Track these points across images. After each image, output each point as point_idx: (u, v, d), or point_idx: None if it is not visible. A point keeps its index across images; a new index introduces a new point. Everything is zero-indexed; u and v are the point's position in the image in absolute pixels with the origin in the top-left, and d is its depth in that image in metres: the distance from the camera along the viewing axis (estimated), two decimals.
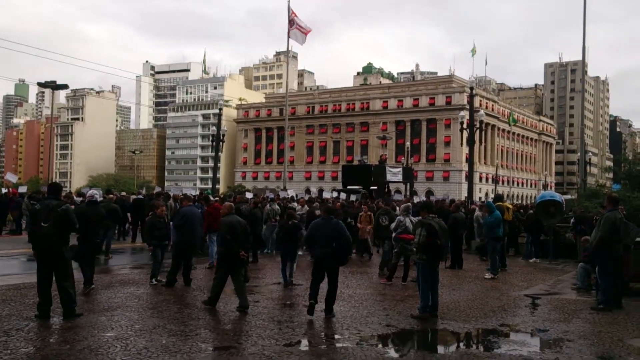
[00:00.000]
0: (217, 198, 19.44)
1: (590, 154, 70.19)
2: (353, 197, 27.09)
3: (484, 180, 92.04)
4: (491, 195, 76.15)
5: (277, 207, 18.35)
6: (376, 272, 14.16)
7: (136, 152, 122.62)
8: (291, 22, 35.41)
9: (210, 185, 59.75)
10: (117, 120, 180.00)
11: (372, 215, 16.86)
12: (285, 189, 32.73)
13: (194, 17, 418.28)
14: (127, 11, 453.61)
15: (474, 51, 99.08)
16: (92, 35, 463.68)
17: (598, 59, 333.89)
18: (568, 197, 33.30)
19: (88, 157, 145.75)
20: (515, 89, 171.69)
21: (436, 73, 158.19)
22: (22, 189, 27.11)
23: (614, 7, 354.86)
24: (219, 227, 10.42)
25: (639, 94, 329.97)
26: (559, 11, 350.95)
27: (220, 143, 40.36)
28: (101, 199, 18.36)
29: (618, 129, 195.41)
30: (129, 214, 20.99)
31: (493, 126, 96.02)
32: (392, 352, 7.41)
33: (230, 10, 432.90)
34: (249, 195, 25.82)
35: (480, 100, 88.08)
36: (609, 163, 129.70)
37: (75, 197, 21.78)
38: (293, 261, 12.41)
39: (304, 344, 7.35)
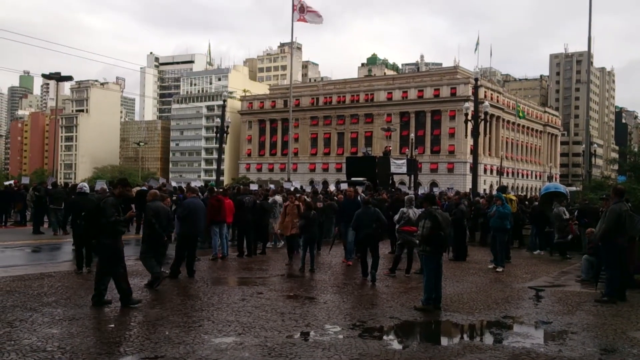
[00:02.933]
0: (220, 189, 19.45)
1: (595, 145, 69.80)
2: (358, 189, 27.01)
3: (488, 172, 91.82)
4: (496, 187, 75.98)
5: (280, 198, 18.30)
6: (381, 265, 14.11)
7: (140, 143, 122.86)
8: (301, 9, 35.34)
9: (214, 177, 59.83)
10: (121, 112, 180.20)
11: (300, 207, 14.36)
12: (289, 181, 32.72)
13: (198, 7, 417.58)
14: (129, 1, 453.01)
15: (477, 45, 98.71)
16: (93, 26, 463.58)
17: (608, 49, 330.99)
18: (573, 188, 33.22)
19: (93, 149, 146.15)
20: (520, 80, 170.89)
21: (441, 64, 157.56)
22: (25, 180, 27.14)
23: None
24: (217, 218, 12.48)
25: None
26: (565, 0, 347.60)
27: (225, 135, 40.36)
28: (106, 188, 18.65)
29: (624, 120, 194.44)
30: (132, 206, 20.99)
31: (498, 117, 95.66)
32: (395, 344, 7.40)
33: (237, 0, 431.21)
34: (253, 186, 25.81)
35: (485, 92, 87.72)
36: (615, 155, 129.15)
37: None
38: (313, 249, 13.22)
39: (307, 336, 7.35)
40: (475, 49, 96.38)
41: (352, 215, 13.39)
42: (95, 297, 8.67)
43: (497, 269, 13.77)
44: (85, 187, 13.79)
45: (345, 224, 14.32)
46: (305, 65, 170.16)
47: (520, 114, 67.48)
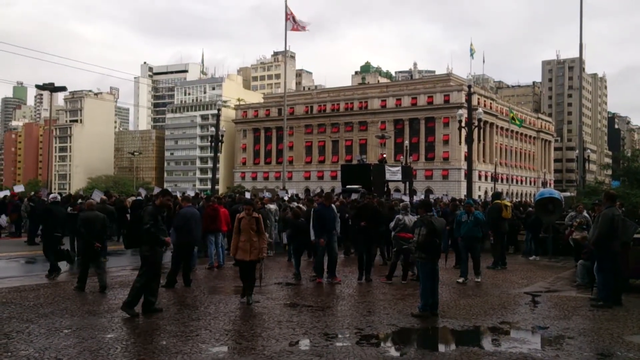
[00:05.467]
0: (215, 199, 19.46)
1: (588, 151, 70.10)
2: (354, 197, 27.04)
3: (483, 178, 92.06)
4: (490, 193, 76.22)
5: (274, 206, 18.33)
6: (376, 272, 14.12)
7: (135, 153, 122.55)
8: (293, 19, 35.80)
9: (209, 186, 59.75)
10: (115, 122, 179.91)
11: (260, 221, 10.28)
12: (284, 189, 32.74)
13: (192, 16, 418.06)
14: (121, 11, 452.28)
15: (473, 50, 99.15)
16: (86, 36, 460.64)
17: (600, 55, 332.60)
18: (567, 194, 33.32)
19: (87, 159, 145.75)
20: (513, 86, 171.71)
21: (434, 71, 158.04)
22: (18, 189, 26.45)
23: (618, 1, 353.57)
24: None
25: None
26: (559, 6, 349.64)
27: (219, 144, 40.37)
28: (97, 199, 18.66)
29: (616, 126, 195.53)
30: (127, 215, 20.97)
31: (492, 124, 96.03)
32: (393, 351, 7.41)
33: (229, 9, 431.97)
34: (248, 195, 25.80)
35: (479, 99, 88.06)
36: (608, 160, 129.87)
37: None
38: (300, 255, 13.27)
39: (304, 344, 7.35)
40: (471, 56, 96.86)
41: (331, 226, 12.71)
42: (145, 306, 8.87)
43: (459, 280, 12.73)
44: (58, 196, 15.18)
45: (322, 236, 12.44)
46: (299, 74, 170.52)
47: (517, 122, 66.66)
